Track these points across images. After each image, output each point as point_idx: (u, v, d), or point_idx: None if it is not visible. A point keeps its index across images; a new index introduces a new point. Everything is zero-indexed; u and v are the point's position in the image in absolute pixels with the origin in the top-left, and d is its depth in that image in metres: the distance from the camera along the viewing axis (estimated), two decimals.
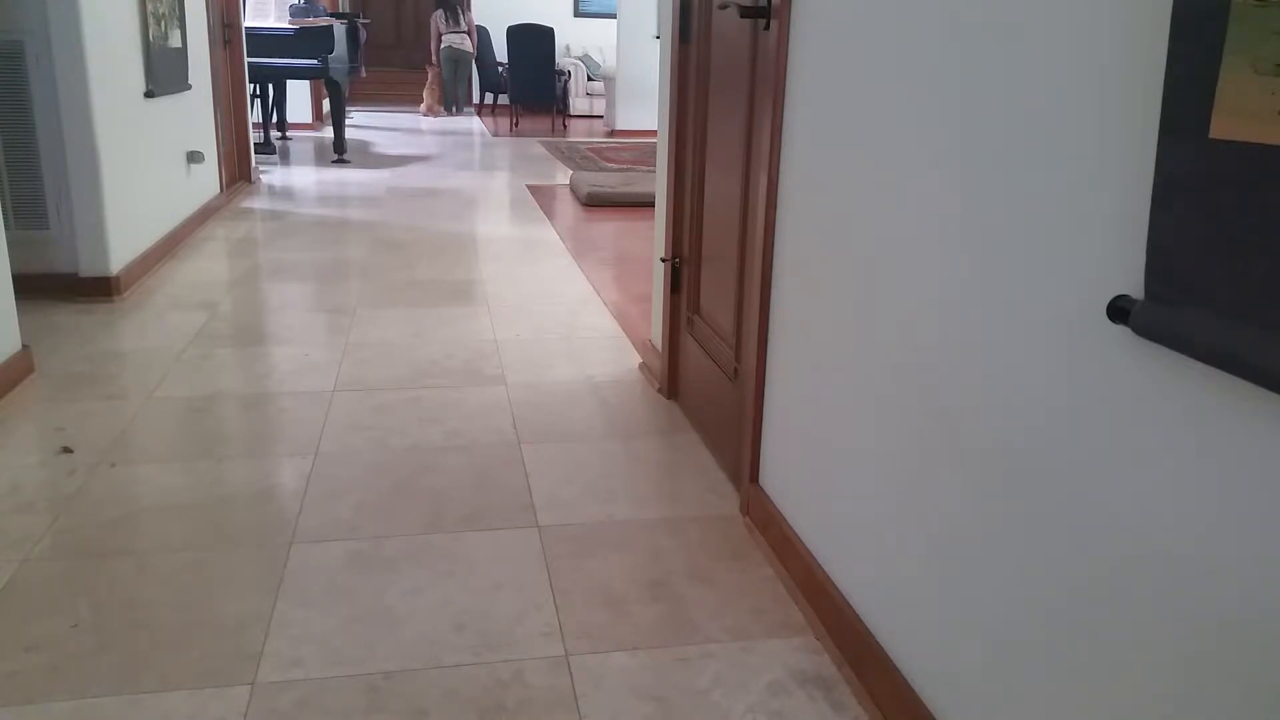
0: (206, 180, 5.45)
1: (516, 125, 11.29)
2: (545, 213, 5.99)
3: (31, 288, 3.52)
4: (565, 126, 11.66)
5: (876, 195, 1.56)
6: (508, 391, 2.93)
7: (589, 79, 12.63)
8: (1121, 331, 1.00)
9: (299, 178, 7.10)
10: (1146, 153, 0.95)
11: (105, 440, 2.50)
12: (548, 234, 5.34)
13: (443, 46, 11.82)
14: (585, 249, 5.00)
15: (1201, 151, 0.85)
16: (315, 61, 7.40)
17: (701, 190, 2.58)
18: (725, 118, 2.35)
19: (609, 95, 10.98)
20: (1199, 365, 0.91)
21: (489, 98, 12.73)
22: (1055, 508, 1.13)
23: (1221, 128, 0.83)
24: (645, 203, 5.85)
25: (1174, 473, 0.95)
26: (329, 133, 8.70)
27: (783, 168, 1.94)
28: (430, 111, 12.19)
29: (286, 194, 6.39)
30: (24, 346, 2.93)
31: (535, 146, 9.53)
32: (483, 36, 12.40)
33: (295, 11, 7.75)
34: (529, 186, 7.01)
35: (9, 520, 2.08)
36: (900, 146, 1.47)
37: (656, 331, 3.05)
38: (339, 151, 7.88)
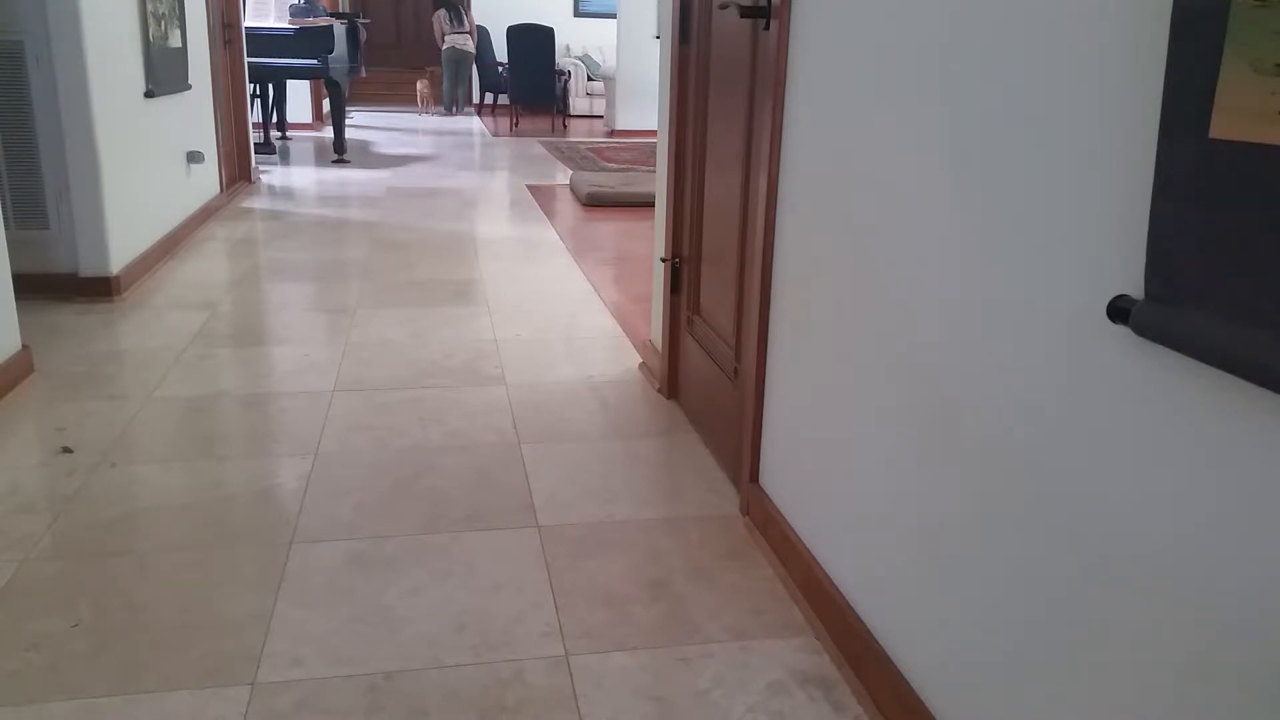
0: (206, 180, 5.45)
1: (516, 125, 11.29)
2: (545, 213, 5.99)
3: (31, 288, 3.52)
4: (565, 126, 11.66)
5: (876, 195, 1.56)
6: (508, 391, 2.93)
7: (589, 79, 12.63)
8: (1121, 331, 1.00)
9: (299, 178, 7.10)
10: (1146, 153, 0.95)
11: (105, 440, 2.50)
12: (548, 234, 5.34)
13: (445, 47, 11.83)
14: (585, 249, 5.00)
15: (1201, 151, 0.85)
16: (315, 61, 7.40)
17: (701, 190, 2.58)
18: (725, 118, 2.35)
19: (609, 95, 10.98)
20: (1199, 365, 0.91)
21: (489, 98, 12.73)
22: (1055, 507, 1.13)
23: (1221, 128, 0.83)
24: (645, 203, 5.85)
25: (1173, 472, 0.95)
26: (329, 133, 8.71)
27: (783, 168, 1.94)
28: (424, 104, 12.17)
29: (286, 194, 6.39)
30: (24, 346, 2.93)
31: (535, 146, 9.53)
32: (483, 36, 12.39)
33: (295, 11, 7.75)
34: (529, 186, 7.01)
35: (9, 520, 2.08)
36: (901, 146, 1.47)
37: (656, 331, 3.05)
38: (339, 151, 7.89)
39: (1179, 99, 0.88)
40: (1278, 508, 0.84)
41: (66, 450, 2.43)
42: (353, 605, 1.82)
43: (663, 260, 2.88)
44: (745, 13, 2.04)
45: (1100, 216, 1.03)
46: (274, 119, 8.62)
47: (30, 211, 3.64)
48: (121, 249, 3.86)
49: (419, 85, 12.33)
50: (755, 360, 2.09)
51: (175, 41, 4.75)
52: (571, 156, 8.60)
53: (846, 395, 1.69)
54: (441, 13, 11.77)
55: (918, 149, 1.42)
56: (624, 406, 2.84)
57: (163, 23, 4.50)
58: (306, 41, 7.37)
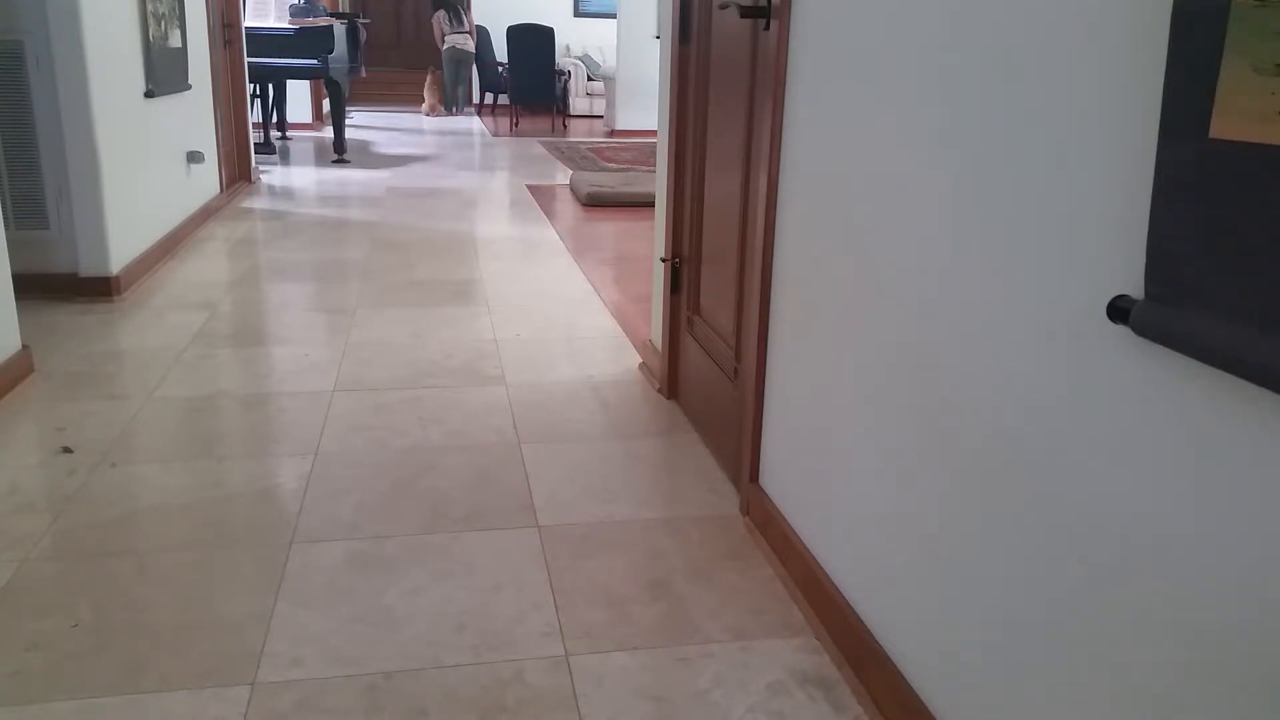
0: (206, 180, 5.45)
1: (516, 125, 11.28)
2: (545, 213, 5.99)
3: (31, 288, 3.52)
4: (565, 126, 11.65)
5: (876, 195, 1.56)
6: (508, 391, 2.93)
7: (589, 79, 12.63)
8: (1121, 331, 1.00)
9: (299, 178, 7.10)
10: (1146, 153, 0.95)
11: (105, 440, 2.50)
12: (548, 234, 5.34)
13: (446, 47, 11.85)
14: (585, 249, 5.00)
15: (1201, 151, 0.85)
16: (315, 61, 7.40)
17: (701, 190, 2.58)
18: (725, 118, 2.35)
19: (609, 95, 10.98)
20: (1199, 365, 0.91)
21: (489, 98, 12.73)
22: (1054, 507, 1.13)
23: (1221, 128, 0.83)
24: (645, 203, 5.85)
25: (1173, 472, 0.95)
26: (329, 133, 8.70)
27: (783, 168, 1.94)
28: (433, 111, 12.20)
29: (286, 194, 6.39)
30: (24, 346, 2.93)
31: (535, 146, 9.53)
32: (483, 36, 12.40)
33: (295, 11, 7.74)
34: (529, 186, 7.01)
35: (9, 520, 2.08)
36: (900, 147, 1.47)
37: (656, 331, 3.05)
38: (339, 151, 7.88)
39: (1179, 99, 0.88)
40: (1278, 508, 0.84)
41: (66, 450, 2.43)
42: (353, 605, 1.82)
43: (663, 260, 2.88)
44: (745, 13, 2.04)
45: (1100, 216, 1.03)
46: (274, 119, 8.62)
47: (30, 211, 3.64)
48: (121, 249, 3.86)
49: (426, 93, 12.34)
50: (755, 360, 2.09)
51: (175, 41, 4.75)
52: (571, 156, 8.60)
53: (846, 395, 1.69)
54: (441, 13, 11.78)
55: (918, 149, 1.42)
56: (624, 406, 2.84)
57: (163, 23, 4.50)
58: (306, 41, 7.37)
